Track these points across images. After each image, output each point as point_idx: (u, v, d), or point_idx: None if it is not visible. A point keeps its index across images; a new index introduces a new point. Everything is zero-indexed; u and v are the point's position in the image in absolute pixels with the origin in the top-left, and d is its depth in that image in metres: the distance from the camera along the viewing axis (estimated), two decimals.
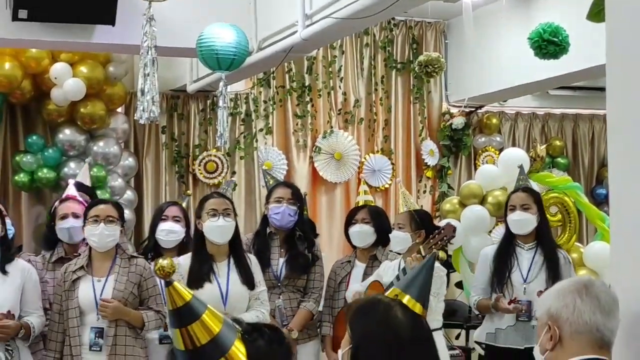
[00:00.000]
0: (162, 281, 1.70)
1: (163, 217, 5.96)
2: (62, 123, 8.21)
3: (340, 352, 2.67)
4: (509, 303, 5.78)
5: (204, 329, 2.00)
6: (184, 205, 6.53)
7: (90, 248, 5.40)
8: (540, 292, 5.75)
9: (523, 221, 5.92)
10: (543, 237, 5.98)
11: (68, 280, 5.31)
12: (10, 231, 5.64)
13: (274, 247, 6.00)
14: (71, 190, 6.13)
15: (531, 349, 5.78)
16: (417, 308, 2.66)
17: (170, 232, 5.87)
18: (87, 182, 6.95)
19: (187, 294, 1.98)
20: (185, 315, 2.00)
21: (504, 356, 5.87)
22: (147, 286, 5.40)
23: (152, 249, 5.92)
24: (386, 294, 2.72)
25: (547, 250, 5.92)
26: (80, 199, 6.01)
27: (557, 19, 6.73)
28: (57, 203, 5.96)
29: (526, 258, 5.93)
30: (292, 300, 6.00)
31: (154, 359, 5.53)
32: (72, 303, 5.28)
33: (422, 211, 6.22)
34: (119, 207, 5.53)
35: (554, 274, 5.81)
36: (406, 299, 2.65)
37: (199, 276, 5.29)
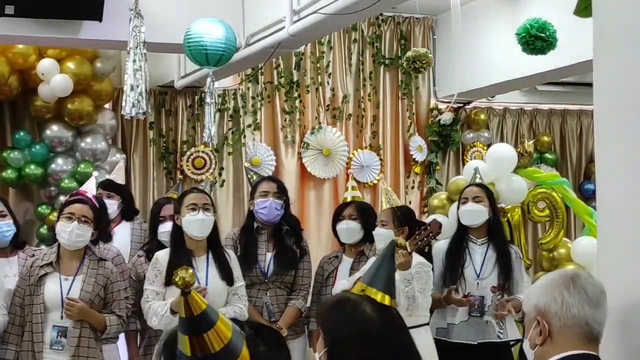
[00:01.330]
0: (180, 291, 1.71)
1: (161, 218, 5.95)
2: (50, 119, 8.19)
3: (317, 355, 2.66)
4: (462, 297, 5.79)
5: (218, 336, 2.00)
6: (176, 195, 6.50)
7: (59, 245, 5.36)
8: (493, 287, 5.81)
9: (475, 212, 5.93)
10: (495, 233, 5.99)
11: (34, 275, 5.24)
12: (10, 231, 5.60)
13: (261, 242, 5.98)
14: (89, 186, 6.08)
15: (485, 344, 5.81)
16: (387, 300, 2.65)
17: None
18: (120, 181, 6.94)
19: (203, 302, 1.97)
20: (202, 323, 1.99)
21: (457, 351, 5.83)
22: (112, 290, 5.37)
23: (156, 250, 5.90)
24: (352, 289, 2.72)
25: (500, 246, 5.93)
26: (90, 195, 5.96)
27: (544, 15, 6.74)
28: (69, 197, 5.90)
29: (479, 253, 5.92)
30: (279, 297, 5.98)
31: None
32: (37, 299, 5.21)
33: (405, 208, 6.21)
34: (95, 210, 5.46)
35: (506, 269, 5.84)
36: (373, 293, 2.64)
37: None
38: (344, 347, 2.55)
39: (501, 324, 5.84)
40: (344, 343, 2.56)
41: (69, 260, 5.34)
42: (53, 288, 5.23)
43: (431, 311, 5.84)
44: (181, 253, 5.35)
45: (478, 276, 5.87)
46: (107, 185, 6.62)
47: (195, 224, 5.33)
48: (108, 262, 5.49)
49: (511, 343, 6.01)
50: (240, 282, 5.46)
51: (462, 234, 6.01)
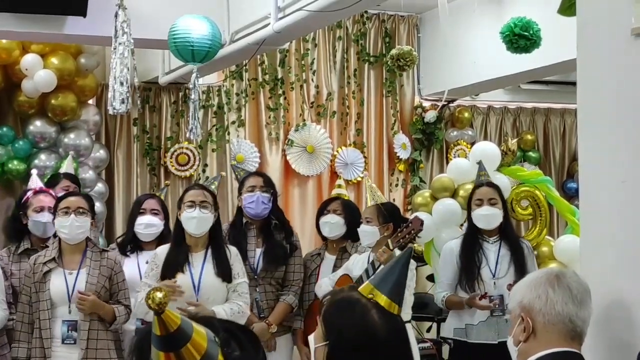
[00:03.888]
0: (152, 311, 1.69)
1: (141, 211, 5.95)
2: (33, 114, 8.16)
3: (312, 344, 2.66)
4: (480, 298, 5.78)
5: (194, 349, 1.98)
6: (162, 196, 6.52)
7: (60, 240, 5.36)
8: (509, 286, 5.76)
9: (491, 216, 5.92)
10: (506, 230, 5.99)
11: (38, 272, 5.26)
12: None
13: (250, 237, 5.98)
14: (37, 183, 6.10)
15: (504, 342, 5.79)
16: (394, 309, 2.66)
17: (148, 225, 5.88)
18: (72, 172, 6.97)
19: (176, 316, 1.96)
20: (178, 339, 1.98)
21: (476, 352, 5.85)
22: (117, 280, 5.40)
23: (131, 242, 5.91)
24: (360, 288, 2.71)
25: (512, 243, 5.93)
26: (52, 192, 5.99)
27: (529, 13, 6.75)
28: (30, 194, 5.92)
29: (492, 252, 5.92)
30: (269, 293, 5.98)
31: None
32: (43, 295, 5.23)
33: (390, 204, 6.21)
34: (89, 199, 5.50)
35: (521, 266, 5.84)
36: (383, 300, 2.64)
37: (173, 266, 5.29)
38: (348, 349, 2.56)
39: None
40: (349, 345, 2.56)
41: (71, 254, 5.35)
42: (58, 283, 5.25)
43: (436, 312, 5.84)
44: (180, 248, 5.36)
45: (494, 275, 5.86)
46: (72, 176, 6.64)
47: (192, 221, 5.34)
48: (111, 252, 5.53)
49: None
50: (240, 279, 5.41)
51: (474, 234, 5.99)
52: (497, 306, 5.78)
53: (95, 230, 6.96)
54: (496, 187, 6.07)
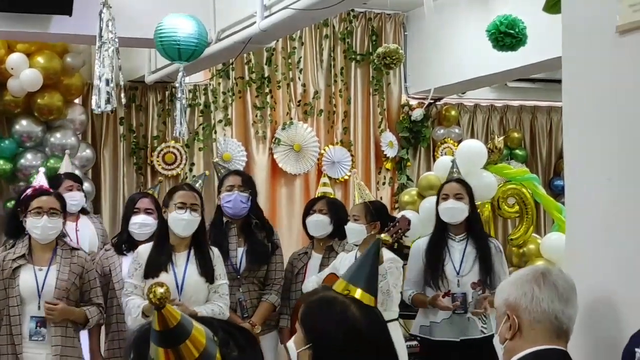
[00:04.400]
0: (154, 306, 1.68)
1: (135, 210, 5.93)
2: (19, 114, 8.14)
3: (294, 349, 2.65)
4: (444, 296, 5.78)
5: (194, 346, 1.98)
6: (155, 194, 6.50)
7: (30, 237, 5.33)
8: (473, 284, 5.81)
9: (456, 209, 5.91)
10: (474, 228, 5.98)
11: (7, 269, 5.21)
12: None
13: (231, 237, 5.96)
14: (43, 181, 6.09)
15: (467, 340, 5.83)
16: (370, 300, 2.66)
17: (143, 225, 5.84)
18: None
19: (177, 312, 1.95)
20: (178, 335, 1.97)
21: (440, 349, 5.86)
22: (88, 278, 5.37)
23: (126, 242, 5.88)
24: (334, 286, 2.71)
25: (479, 241, 5.91)
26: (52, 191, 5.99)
27: (515, 11, 6.77)
28: (29, 191, 5.88)
29: (458, 250, 5.91)
30: (252, 293, 5.97)
31: None
32: (12, 292, 5.18)
33: (378, 202, 6.20)
34: (61, 199, 5.45)
35: (486, 265, 5.84)
36: (358, 293, 2.64)
37: (156, 266, 5.27)
38: (335, 348, 2.56)
39: (484, 319, 5.83)
40: (335, 343, 2.56)
41: (41, 251, 5.31)
42: (28, 279, 5.21)
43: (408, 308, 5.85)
44: (163, 248, 5.34)
45: (458, 273, 5.85)
46: (74, 175, 6.66)
47: (181, 222, 5.31)
48: (81, 251, 5.49)
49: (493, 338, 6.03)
50: (222, 281, 5.41)
51: (441, 231, 5.99)
52: (459, 305, 5.78)
53: (101, 223, 7.00)
54: (464, 184, 6.07)
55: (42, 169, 6.42)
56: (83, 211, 6.87)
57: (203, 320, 2.09)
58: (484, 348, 5.94)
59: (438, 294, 5.77)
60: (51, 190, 5.86)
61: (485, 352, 5.94)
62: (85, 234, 6.71)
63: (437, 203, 6.02)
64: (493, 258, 5.88)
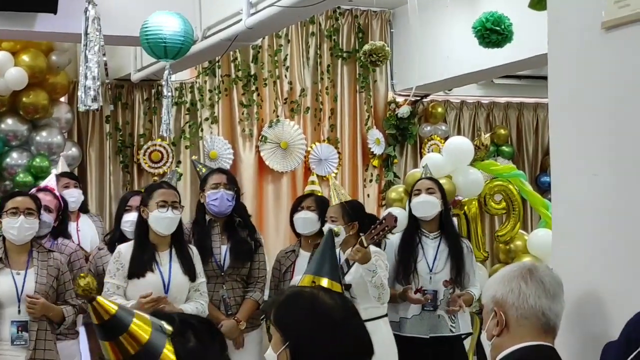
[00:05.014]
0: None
1: (127, 208, 5.92)
2: (4, 113, 8.11)
3: (272, 354, 2.63)
4: (415, 292, 5.80)
5: (132, 339, 1.99)
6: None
7: (4, 240, 5.29)
8: (446, 282, 5.85)
9: (427, 203, 5.94)
10: (446, 227, 6.02)
11: None
12: None
13: (214, 235, 5.95)
14: (48, 182, 6.12)
15: (437, 338, 5.85)
16: (337, 287, 2.66)
17: (134, 223, 5.82)
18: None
19: (111, 307, 1.96)
20: (113, 328, 1.98)
21: (409, 345, 5.85)
22: (64, 280, 5.33)
23: (118, 240, 5.86)
24: (299, 283, 2.71)
25: (451, 240, 5.96)
26: (57, 193, 5.99)
27: (501, 8, 6.77)
28: (33, 191, 5.89)
29: (431, 247, 5.94)
30: (236, 290, 5.96)
31: None
32: None
33: (355, 202, 6.20)
34: (36, 200, 5.42)
35: (458, 263, 5.87)
36: (325, 283, 2.65)
37: (141, 265, 5.25)
38: (312, 340, 2.55)
39: (453, 318, 5.88)
40: (310, 336, 2.55)
41: (17, 254, 5.26)
42: (6, 283, 5.16)
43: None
44: (145, 247, 5.32)
45: (431, 270, 5.89)
46: (69, 173, 6.68)
47: (164, 221, 5.30)
48: (55, 252, 5.45)
49: (462, 337, 6.04)
50: (201, 279, 5.44)
51: (414, 228, 6.02)
52: (429, 301, 5.80)
53: (101, 222, 6.99)
54: (436, 181, 6.14)
55: (54, 170, 6.44)
56: (83, 210, 6.86)
57: (166, 314, 2.10)
58: (455, 346, 5.97)
59: (408, 287, 5.80)
60: (53, 189, 5.89)
61: (456, 350, 5.97)
62: (87, 233, 6.71)
63: (410, 200, 6.06)
64: (465, 258, 5.91)
